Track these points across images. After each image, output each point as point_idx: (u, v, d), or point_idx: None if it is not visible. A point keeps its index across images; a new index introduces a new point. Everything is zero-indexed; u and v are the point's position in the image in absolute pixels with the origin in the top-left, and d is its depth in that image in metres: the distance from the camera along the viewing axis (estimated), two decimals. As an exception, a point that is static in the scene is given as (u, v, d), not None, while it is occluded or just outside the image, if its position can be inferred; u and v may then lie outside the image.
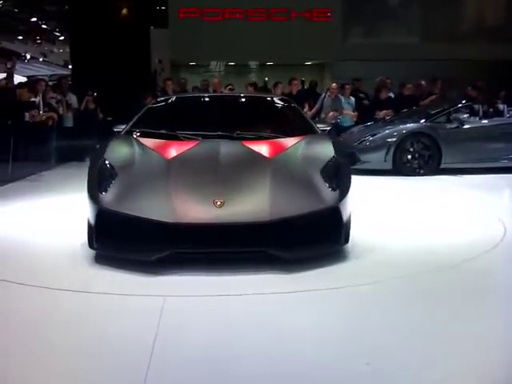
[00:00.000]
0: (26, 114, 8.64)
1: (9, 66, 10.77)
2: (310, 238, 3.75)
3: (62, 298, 3.28)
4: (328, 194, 3.86)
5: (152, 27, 14.90)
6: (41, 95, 9.31)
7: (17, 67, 12.24)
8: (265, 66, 17.75)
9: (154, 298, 3.21)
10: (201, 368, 2.44)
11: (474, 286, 3.53)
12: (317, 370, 2.41)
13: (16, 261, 3.95)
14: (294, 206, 3.73)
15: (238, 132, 4.61)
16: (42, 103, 9.28)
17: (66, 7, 15.49)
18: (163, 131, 4.76)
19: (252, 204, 3.68)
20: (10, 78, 10.16)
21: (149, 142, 4.51)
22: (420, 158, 8.09)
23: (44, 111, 9.18)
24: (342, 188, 3.95)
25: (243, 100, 6.03)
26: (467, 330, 2.85)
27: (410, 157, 8.09)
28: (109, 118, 9.65)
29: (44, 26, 24.42)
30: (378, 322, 2.93)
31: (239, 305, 3.18)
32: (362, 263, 3.91)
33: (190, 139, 4.53)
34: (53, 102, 9.63)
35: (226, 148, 4.28)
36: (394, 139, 8.09)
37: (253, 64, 17.90)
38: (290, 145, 4.42)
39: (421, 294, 3.37)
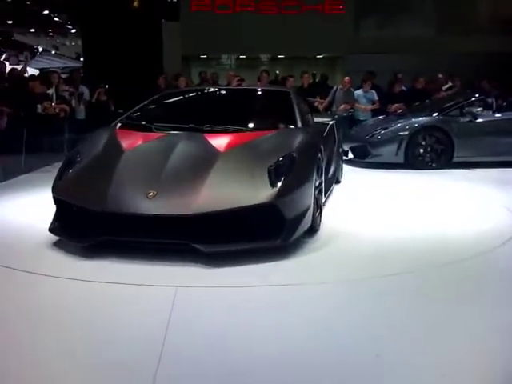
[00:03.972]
0: (39, 106, 8.70)
1: (22, 58, 10.85)
2: (238, 233, 3.73)
3: (78, 288, 3.32)
4: (265, 190, 3.76)
5: (163, 20, 14.91)
6: (54, 87, 9.36)
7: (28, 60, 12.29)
8: (276, 59, 17.71)
9: (165, 288, 3.23)
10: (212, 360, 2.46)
11: (481, 283, 3.52)
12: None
13: (31, 252, 4.01)
14: (223, 201, 3.70)
15: (208, 125, 4.66)
16: (54, 95, 9.33)
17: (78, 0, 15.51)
18: (143, 123, 4.88)
19: (181, 197, 3.73)
20: (23, 70, 10.24)
21: (123, 133, 4.69)
22: (432, 152, 8.04)
23: (56, 103, 9.23)
24: (288, 184, 3.84)
25: (235, 93, 6.15)
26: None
27: (422, 150, 8.04)
28: (120, 111, 9.66)
29: (56, 19, 24.52)
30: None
31: (254, 296, 3.20)
32: (364, 255, 3.92)
33: (160, 131, 4.68)
34: (65, 94, 9.68)
35: (184, 141, 4.39)
36: (406, 133, 8.04)
37: (264, 57, 17.86)
38: (252, 138, 4.42)
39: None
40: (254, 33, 15.17)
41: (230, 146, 4.27)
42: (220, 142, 4.33)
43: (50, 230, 4.10)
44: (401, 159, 8.05)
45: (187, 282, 3.35)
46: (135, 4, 13.03)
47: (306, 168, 4.17)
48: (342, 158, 7.07)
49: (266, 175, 3.86)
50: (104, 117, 9.79)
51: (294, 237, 3.89)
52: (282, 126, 4.79)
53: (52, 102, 9.14)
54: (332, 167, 6.09)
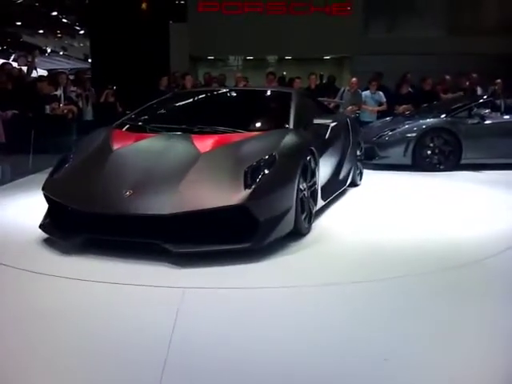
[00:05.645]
0: (47, 107, 8.73)
1: (29, 59, 10.89)
2: (209, 234, 3.72)
3: (77, 288, 3.32)
4: (238, 191, 3.71)
5: (171, 21, 14.92)
6: (62, 88, 9.39)
7: (37, 60, 12.33)
8: (284, 61, 17.69)
9: (173, 290, 3.23)
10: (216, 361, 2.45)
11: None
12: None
13: (40, 254, 4.01)
14: (195, 201, 3.69)
15: (199, 126, 4.69)
16: (62, 96, 9.37)
17: (86, 1, 15.57)
18: (139, 124, 4.97)
19: (155, 197, 3.75)
20: (29, 71, 10.27)
21: (117, 134, 4.74)
22: (440, 154, 8.01)
23: (64, 104, 9.26)
24: (264, 186, 3.79)
25: (237, 95, 6.17)
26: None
27: (429, 152, 8.01)
28: (127, 112, 9.67)
29: (64, 20, 24.60)
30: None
31: (258, 297, 3.19)
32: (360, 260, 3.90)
33: (153, 132, 4.73)
34: (73, 95, 9.71)
35: (170, 142, 4.45)
36: (414, 134, 8.01)
37: (271, 58, 17.84)
38: (238, 139, 4.37)
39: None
40: (261, 34, 15.16)
41: (212, 147, 4.26)
42: (205, 143, 4.33)
43: (40, 226, 4.19)
44: (408, 161, 8.02)
45: (194, 283, 3.34)
46: (143, 6, 13.04)
47: (287, 169, 4.07)
48: (360, 160, 6.85)
49: (242, 177, 3.81)
50: (111, 118, 9.82)
51: (270, 240, 3.82)
52: (274, 127, 4.72)
53: (60, 102, 9.18)
54: (343, 170, 6.02)
